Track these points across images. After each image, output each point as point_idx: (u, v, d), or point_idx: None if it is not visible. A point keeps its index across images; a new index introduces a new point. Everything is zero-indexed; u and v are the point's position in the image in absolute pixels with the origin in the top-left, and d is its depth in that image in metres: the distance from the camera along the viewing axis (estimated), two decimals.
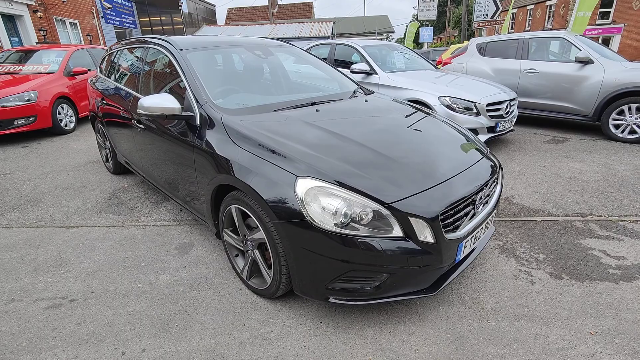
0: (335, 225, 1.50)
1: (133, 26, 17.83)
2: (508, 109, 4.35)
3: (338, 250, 1.51)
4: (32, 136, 5.71)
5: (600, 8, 23.30)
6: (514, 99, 4.51)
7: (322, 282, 1.60)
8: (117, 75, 3.30)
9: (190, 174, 2.19)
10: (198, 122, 2.10)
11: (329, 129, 1.94)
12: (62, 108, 5.82)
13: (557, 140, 5.03)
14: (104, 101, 3.37)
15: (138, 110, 2.11)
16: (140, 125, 2.62)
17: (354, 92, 2.79)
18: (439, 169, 1.74)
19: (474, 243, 1.82)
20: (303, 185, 1.55)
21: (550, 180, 3.54)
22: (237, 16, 35.16)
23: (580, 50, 5.10)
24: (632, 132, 4.80)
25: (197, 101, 2.15)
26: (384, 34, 28.36)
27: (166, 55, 2.53)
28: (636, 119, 4.71)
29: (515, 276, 2.11)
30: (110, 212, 3.04)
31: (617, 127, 4.91)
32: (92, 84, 3.86)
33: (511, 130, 4.58)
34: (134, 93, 2.81)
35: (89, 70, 6.47)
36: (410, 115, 2.39)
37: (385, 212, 1.51)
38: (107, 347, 1.64)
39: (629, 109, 4.74)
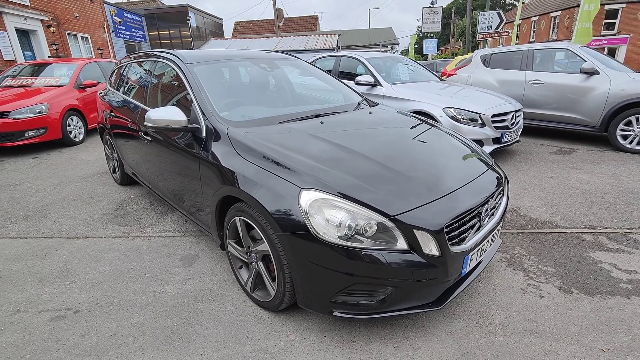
0: (339, 237, 1.49)
1: (142, 40, 18.25)
2: (513, 120, 4.34)
3: (342, 262, 1.50)
4: (42, 147, 5.82)
5: (605, 19, 23.39)
6: (519, 110, 4.50)
7: (326, 295, 1.59)
8: (125, 88, 3.37)
9: (195, 185, 2.21)
10: (204, 134, 2.12)
11: (334, 141, 1.95)
12: (72, 120, 5.93)
13: (564, 151, 4.99)
14: (112, 113, 3.43)
15: (145, 122, 2.14)
16: (147, 137, 2.66)
17: (358, 103, 2.81)
18: (444, 181, 1.73)
19: (480, 256, 1.80)
20: (307, 197, 1.56)
21: (558, 192, 3.50)
22: (243, 29, 35.85)
23: (586, 61, 5.10)
24: None
25: (203, 113, 2.18)
26: (389, 46, 28.66)
27: (173, 69, 2.58)
28: None
29: (523, 290, 2.07)
30: (116, 223, 3.06)
31: (625, 137, 4.86)
32: (102, 97, 3.94)
33: (517, 141, 4.55)
34: (142, 105, 2.86)
35: (98, 82, 6.60)
36: (414, 127, 2.39)
37: (389, 224, 1.50)
38: None
39: (637, 119, 4.70)
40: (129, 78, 3.40)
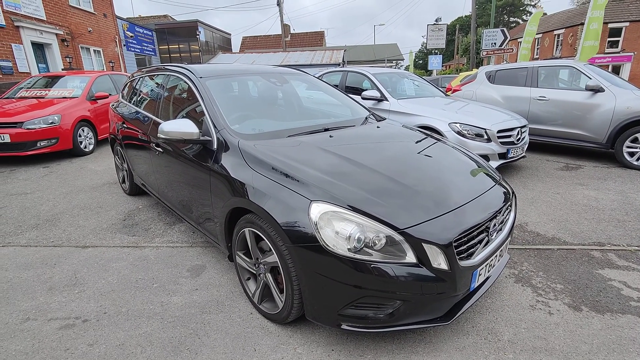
0: (349, 250, 1.51)
1: (153, 54, 18.69)
2: (519, 136, 4.36)
3: (351, 275, 1.51)
4: (53, 157, 5.92)
5: (608, 37, 23.62)
6: (524, 126, 4.52)
7: (334, 308, 1.59)
8: (137, 101, 3.45)
9: (205, 196, 2.24)
10: (215, 147, 2.17)
11: (343, 154, 1.99)
12: (83, 130, 6.05)
13: (570, 167, 4.99)
14: (124, 125, 3.51)
15: (159, 134, 2.19)
16: (159, 149, 2.71)
17: (366, 118, 2.86)
18: (452, 196, 1.75)
19: (488, 271, 1.79)
20: (317, 210, 1.58)
21: (565, 208, 3.49)
22: (251, 44, 36.61)
23: (590, 78, 5.15)
24: None
25: (214, 126, 2.23)
26: (394, 62, 29.06)
27: (186, 83, 2.65)
28: None
29: (532, 307, 2.05)
30: (124, 233, 3.10)
31: (631, 154, 4.86)
32: (114, 109, 4.03)
33: (523, 157, 4.56)
34: (154, 117, 2.93)
35: (110, 95, 6.75)
36: (422, 141, 2.42)
37: (398, 237, 1.52)
38: None
39: None
40: (141, 91, 3.49)
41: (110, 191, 4.18)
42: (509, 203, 1.98)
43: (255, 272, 2.00)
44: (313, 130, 2.37)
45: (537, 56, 28.68)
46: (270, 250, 1.79)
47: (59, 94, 6.38)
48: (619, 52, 23.69)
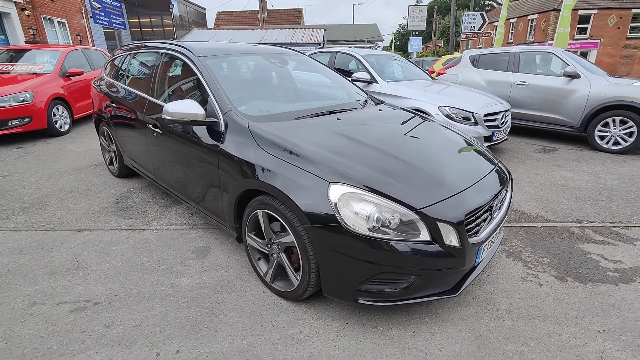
0: (368, 229, 1.58)
1: (122, 27, 17.58)
2: (503, 120, 4.55)
3: (370, 253, 1.59)
4: (26, 137, 5.58)
5: (578, 24, 24.48)
6: (507, 110, 4.71)
7: (352, 284, 1.67)
8: (128, 79, 3.31)
9: (212, 178, 2.23)
10: (222, 128, 2.15)
11: (354, 137, 2.03)
12: (58, 109, 5.71)
13: (547, 150, 5.28)
14: (112, 104, 3.36)
15: (163, 115, 2.14)
16: (157, 130, 2.64)
17: (365, 101, 2.89)
18: (460, 177, 1.85)
19: (490, 247, 1.93)
20: (336, 191, 1.63)
21: (545, 188, 3.73)
22: (226, 20, 35.11)
23: (568, 65, 5.39)
24: (616, 143, 5.08)
25: (220, 108, 2.20)
26: (374, 42, 28.86)
27: (185, 62, 2.57)
28: (620, 131, 5.00)
29: (524, 279, 2.23)
30: (120, 216, 3.03)
31: (602, 138, 5.19)
32: (97, 86, 3.84)
33: (505, 140, 4.78)
34: (149, 98, 2.83)
35: (83, 71, 6.37)
36: (424, 125, 2.50)
37: (414, 217, 1.60)
38: (141, 349, 1.66)
39: (613, 121, 5.02)
40: (130, 69, 3.34)
41: (97, 173, 4.03)
42: (507, 184, 2.11)
43: (267, 252, 2.04)
44: (318, 113, 2.38)
45: (512, 40, 29.35)
46: (285, 230, 1.84)
47: (28, 70, 5.95)
48: (587, 39, 24.64)
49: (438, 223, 1.60)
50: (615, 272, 2.30)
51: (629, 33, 24.67)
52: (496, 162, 2.21)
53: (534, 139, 5.92)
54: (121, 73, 3.47)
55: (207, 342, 1.70)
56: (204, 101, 2.30)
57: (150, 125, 2.72)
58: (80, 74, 6.20)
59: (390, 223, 1.60)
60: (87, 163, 4.40)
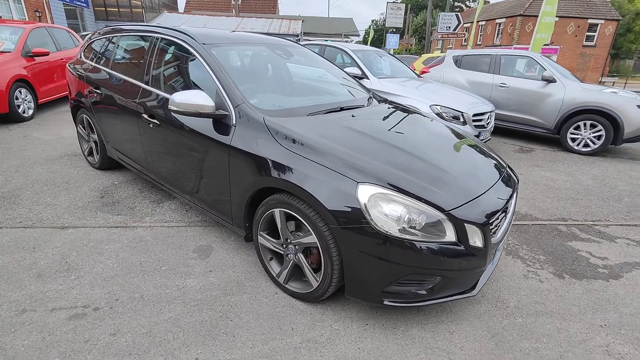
0: (399, 230, 1.56)
1: (85, 5, 16.30)
2: (489, 120, 4.71)
3: (400, 254, 1.57)
4: None
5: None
6: (492, 111, 4.88)
7: (379, 285, 1.65)
8: (115, 64, 3.05)
9: (219, 175, 2.12)
10: (234, 122, 2.03)
11: (374, 135, 2.00)
12: (20, 92, 5.21)
13: (525, 150, 5.54)
14: (96, 91, 3.10)
15: (169, 106, 1.99)
16: (154, 121, 2.46)
17: (369, 98, 2.86)
18: (481, 178, 1.87)
19: (503, 246, 1.98)
20: (365, 192, 1.59)
21: (530, 188, 3.91)
22: (197, 4, 33.60)
23: (546, 69, 5.66)
24: (586, 145, 5.42)
25: (230, 100, 2.08)
26: (348, 37, 28.88)
27: (185, 49, 2.41)
28: (590, 134, 5.34)
29: (525, 276, 2.32)
30: (107, 212, 2.82)
31: (573, 140, 5.52)
32: (75, 70, 3.52)
33: (489, 140, 4.95)
34: (144, 86, 2.62)
35: (49, 52, 5.84)
36: (436, 125, 2.52)
37: (442, 218, 1.60)
38: (156, 358, 1.54)
39: (584, 125, 5.36)
40: (121, 54, 3.09)
41: (73, 164, 3.72)
42: (516, 186, 2.18)
43: (282, 253, 1.97)
44: (330, 109, 2.32)
45: (480, 43, 30.49)
46: (303, 230, 1.78)
47: None
48: (548, 45, 26.10)
49: (465, 224, 1.61)
50: (604, 269, 2.45)
51: (585, 42, 26.47)
52: (505, 165, 2.26)
53: (512, 139, 6.19)
54: (104, 57, 3.20)
55: (227, 348, 1.62)
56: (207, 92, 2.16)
57: (145, 116, 2.53)
58: (46, 54, 5.69)
59: (417, 224, 1.59)
60: (59, 153, 4.05)
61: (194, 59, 2.34)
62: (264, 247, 2.07)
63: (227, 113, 2.06)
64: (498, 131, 6.66)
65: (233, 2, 23.12)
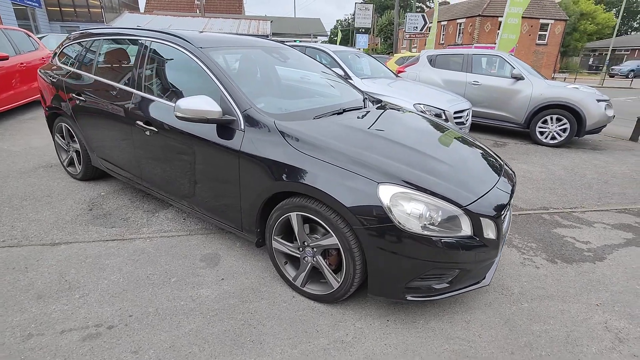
0: (421, 227, 1.62)
1: (37, 5, 15.24)
2: (467, 117, 4.93)
3: (422, 250, 1.63)
4: None
5: (498, 30, 27.33)
6: (470, 108, 5.11)
7: (402, 282, 1.70)
8: (102, 71, 2.89)
9: (229, 180, 2.08)
10: (242, 127, 2.01)
11: (385, 135, 2.05)
12: None
13: (499, 144, 5.85)
14: (79, 97, 2.92)
15: (175, 112, 1.94)
16: (151, 128, 2.37)
17: (365, 99, 2.92)
18: (488, 173, 1.98)
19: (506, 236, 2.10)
20: (386, 191, 1.63)
21: None
22: (158, 4, 32.37)
23: (514, 68, 6.00)
24: (553, 138, 5.81)
25: (237, 105, 2.05)
26: (316, 37, 29.02)
27: (181, 53, 2.34)
28: (556, 127, 5.73)
29: (522, 263, 2.47)
30: (99, 225, 2.68)
31: (542, 133, 5.90)
32: (48, 77, 3.31)
33: None
34: (137, 92, 2.51)
35: (8, 56, 5.43)
36: (435, 124, 2.61)
37: (460, 213, 1.68)
38: None
39: (551, 119, 5.74)
40: (104, 58, 2.93)
41: (51, 176, 3.49)
42: (515, 180, 2.31)
43: (299, 256, 1.98)
44: (334, 111, 2.35)
45: (443, 42, 31.69)
46: (319, 232, 1.81)
47: None
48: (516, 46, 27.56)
49: (481, 218, 1.70)
50: (589, 252, 2.65)
51: (538, 40, 28.24)
52: (502, 161, 2.40)
53: (485, 134, 6.51)
54: (85, 62, 3.03)
55: (256, 356, 1.61)
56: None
57: (140, 123, 2.43)
58: (6, 58, 5.28)
59: (437, 220, 1.65)
60: (33, 164, 3.78)
61: (191, 64, 2.28)
62: (279, 252, 2.06)
63: (234, 118, 2.03)
64: (472, 127, 6.97)
65: (197, 2, 22.51)
